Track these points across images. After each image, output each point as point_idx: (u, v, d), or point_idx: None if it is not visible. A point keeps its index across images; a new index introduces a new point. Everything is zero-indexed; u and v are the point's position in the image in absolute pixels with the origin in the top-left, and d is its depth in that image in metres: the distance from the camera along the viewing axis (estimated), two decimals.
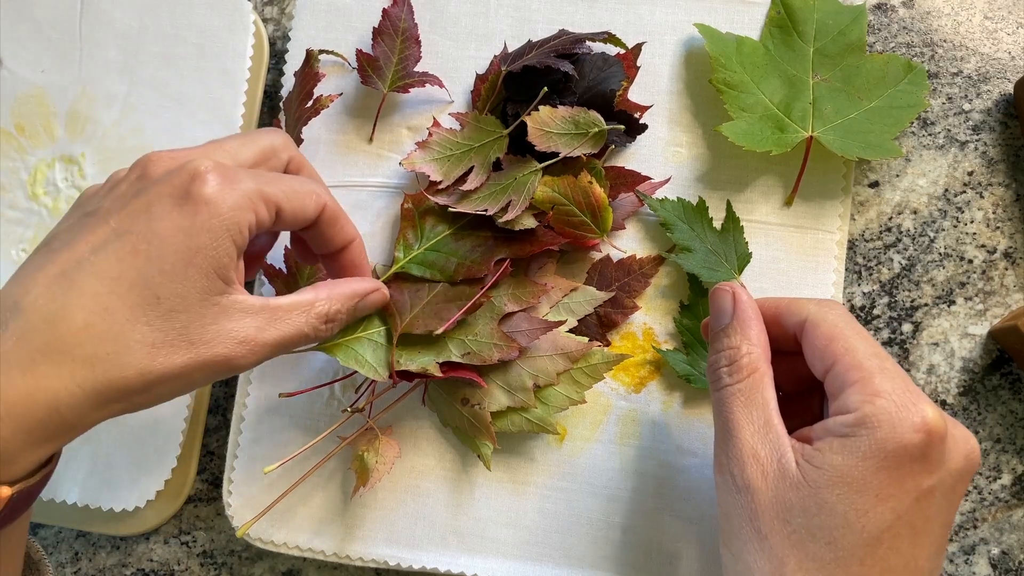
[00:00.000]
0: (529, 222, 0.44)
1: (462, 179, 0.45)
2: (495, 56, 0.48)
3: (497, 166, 0.45)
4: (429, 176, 0.45)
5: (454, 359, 0.43)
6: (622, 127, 0.45)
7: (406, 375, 0.43)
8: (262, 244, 0.43)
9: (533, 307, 0.44)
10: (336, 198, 0.48)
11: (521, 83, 0.45)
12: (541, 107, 0.44)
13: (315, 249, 0.40)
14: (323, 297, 0.37)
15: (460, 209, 0.44)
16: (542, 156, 0.45)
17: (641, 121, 0.46)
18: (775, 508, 0.32)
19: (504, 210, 0.43)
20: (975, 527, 0.46)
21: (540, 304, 0.45)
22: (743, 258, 0.45)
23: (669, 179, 0.47)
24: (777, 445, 0.33)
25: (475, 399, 0.44)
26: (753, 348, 0.35)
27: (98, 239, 0.32)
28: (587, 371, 0.44)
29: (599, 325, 0.45)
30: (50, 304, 0.31)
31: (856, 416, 0.31)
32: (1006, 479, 0.46)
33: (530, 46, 0.46)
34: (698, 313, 0.45)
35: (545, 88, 0.44)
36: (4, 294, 0.32)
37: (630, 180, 0.46)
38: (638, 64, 0.47)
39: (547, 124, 0.44)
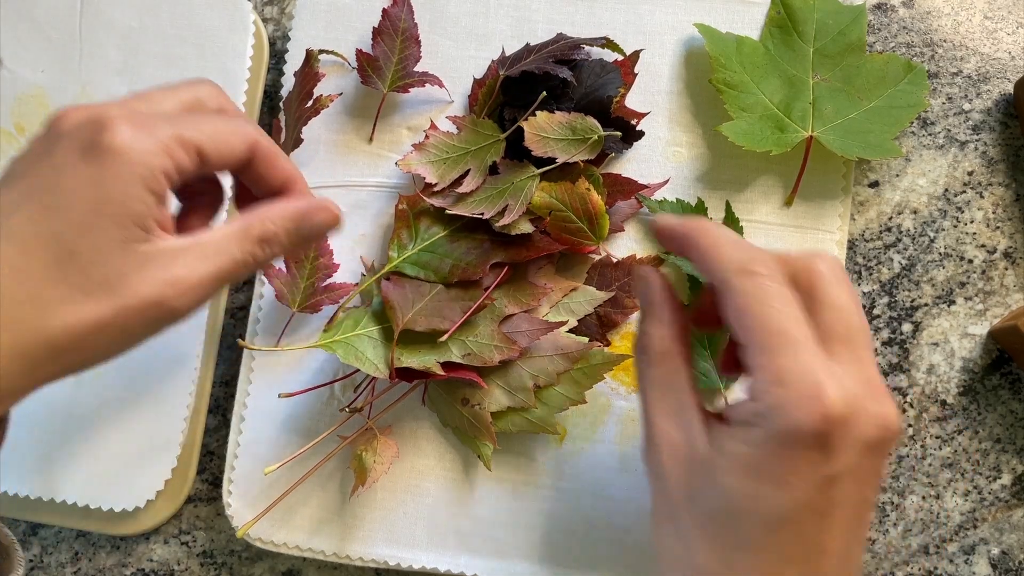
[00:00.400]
0: (526, 227, 0.44)
1: (458, 182, 0.45)
2: (493, 60, 0.48)
3: (494, 170, 0.45)
4: (425, 178, 0.45)
5: (454, 359, 0.43)
6: (619, 134, 0.45)
7: (406, 373, 0.43)
8: (209, 195, 0.39)
9: (533, 308, 0.44)
10: (336, 198, 0.49)
11: (519, 88, 0.45)
12: (538, 112, 0.44)
13: (256, 193, 0.38)
14: (255, 220, 0.35)
15: (456, 212, 0.44)
16: (539, 162, 0.45)
17: (638, 128, 0.46)
18: (684, 492, 0.32)
19: (501, 214, 0.43)
20: (975, 527, 0.46)
21: (540, 305, 0.45)
22: None
23: (667, 181, 0.47)
24: (689, 429, 0.32)
25: (475, 399, 0.44)
26: (665, 332, 0.34)
27: (10, 203, 0.31)
28: (587, 371, 0.44)
29: (599, 325, 0.45)
30: None
31: (757, 406, 0.30)
32: (1006, 479, 0.46)
33: (528, 50, 0.46)
34: None
35: (544, 92, 0.44)
36: None
37: (627, 188, 0.46)
38: (636, 71, 0.47)
39: (544, 129, 0.44)
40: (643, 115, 0.47)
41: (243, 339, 0.48)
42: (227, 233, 0.35)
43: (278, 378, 0.47)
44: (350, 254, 0.48)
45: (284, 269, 0.46)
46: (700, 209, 0.45)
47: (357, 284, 0.46)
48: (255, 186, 0.38)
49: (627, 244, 0.47)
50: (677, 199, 0.46)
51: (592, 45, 0.46)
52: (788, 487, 0.30)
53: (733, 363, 0.34)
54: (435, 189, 0.45)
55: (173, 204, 0.35)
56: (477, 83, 0.47)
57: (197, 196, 0.38)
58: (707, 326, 0.37)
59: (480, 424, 0.43)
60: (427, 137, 0.45)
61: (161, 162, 0.32)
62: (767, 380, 0.30)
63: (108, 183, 0.31)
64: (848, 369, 0.30)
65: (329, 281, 0.46)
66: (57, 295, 0.31)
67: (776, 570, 0.31)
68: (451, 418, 0.45)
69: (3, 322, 0.30)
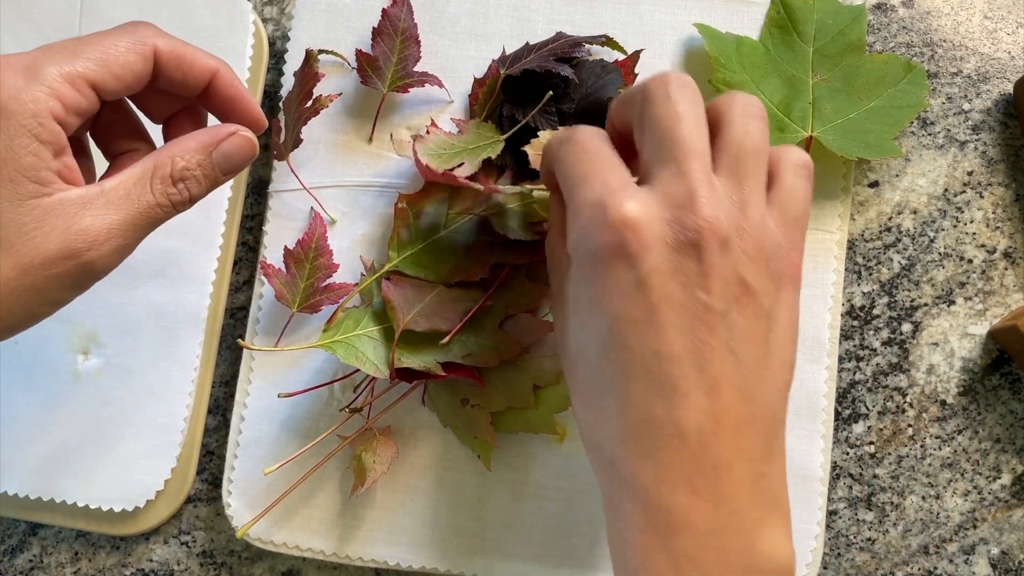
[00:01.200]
0: (526, 234, 0.44)
1: (451, 171, 0.45)
2: (493, 60, 0.48)
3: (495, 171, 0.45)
4: (421, 163, 0.45)
5: (455, 360, 0.43)
6: None
7: (407, 373, 0.43)
8: (136, 148, 0.37)
9: (533, 308, 0.44)
10: (336, 198, 0.48)
11: (519, 86, 0.45)
12: (541, 133, 0.44)
13: (182, 95, 0.36)
14: (163, 158, 0.33)
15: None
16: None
17: None
18: (560, 296, 0.35)
19: (501, 215, 0.43)
20: (975, 527, 0.46)
21: (541, 305, 0.45)
22: None
23: None
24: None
25: (475, 399, 0.44)
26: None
27: None
28: None
29: None
30: None
31: (568, 244, 0.33)
32: (1006, 479, 0.46)
33: (528, 49, 0.46)
34: None
35: (550, 92, 0.44)
36: None
37: None
38: (636, 72, 0.47)
39: None
40: None
41: (243, 339, 0.48)
42: (136, 175, 0.33)
43: (278, 378, 0.47)
44: (350, 254, 0.48)
45: (284, 269, 0.46)
46: None
47: (357, 284, 0.46)
48: (176, 91, 0.36)
49: None
50: None
51: (592, 43, 0.46)
52: (605, 304, 0.30)
53: None
54: (429, 180, 0.45)
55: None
56: (478, 83, 0.47)
57: (125, 151, 0.36)
58: None
59: (480, 424, 0.43)
60: (428, 133, 0.45)
61: (45, 106, 0.30)
62: (570, 218, 0.32)
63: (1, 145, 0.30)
64: (677, 184, 0.30)
65: (329, 281, 0.46)
66: None
67: (625, 393, 0.30)
68: (451, 418, 0.45)
69: None
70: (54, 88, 0.31)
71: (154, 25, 0.35)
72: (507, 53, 0.47)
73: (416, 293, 0.44)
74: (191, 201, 0.35)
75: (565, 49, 0.45)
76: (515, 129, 0.45)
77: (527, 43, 0.47)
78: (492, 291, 0.44)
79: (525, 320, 0.44)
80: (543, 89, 0.44)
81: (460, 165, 0.45)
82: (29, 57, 0.31)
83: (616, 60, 0.46)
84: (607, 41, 0.46)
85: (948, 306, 0.47)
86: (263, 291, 0.48)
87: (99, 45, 0.32)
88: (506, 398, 0.44)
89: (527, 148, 0.44)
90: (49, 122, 0.31)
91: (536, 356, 0.44)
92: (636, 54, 0.46)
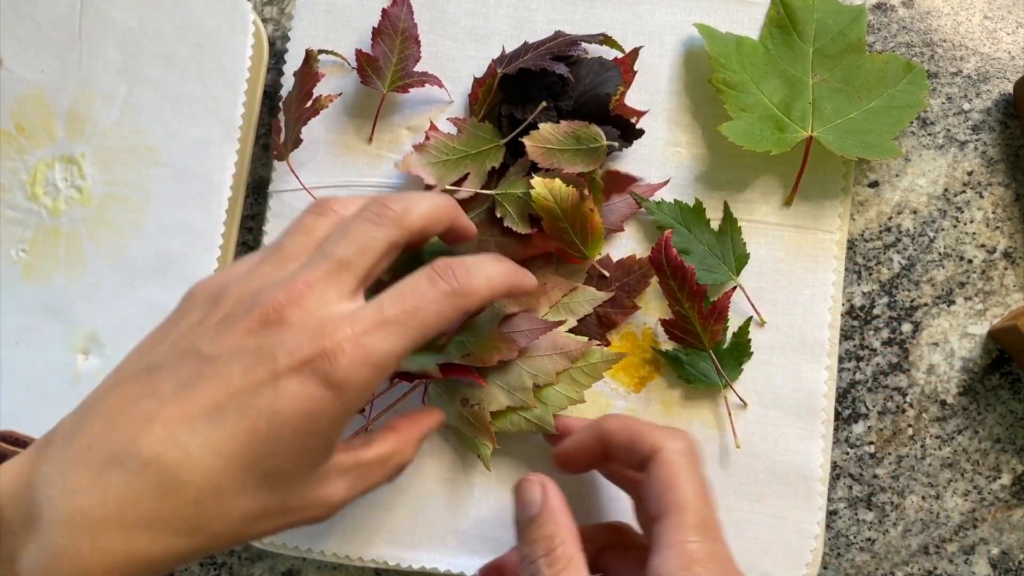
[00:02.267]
0: (523, 226, 0.44)
1: (456, 184, 0.45)
2: (493, 60, 0.48)
3: (490, 176, 0.45)
4: (424, 179, 0.45)
5: (454, 360, 0.43)
6: (617, 132, 0.45)
7: (406, 375, 0.43)
8: None
9: (532, 307, 0.44)
10: (331, 195, 0.48)
11: (516, 86, 0.45)
12: (542, 125, 0.44)
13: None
14: (401, 447, 0.37)
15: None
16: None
17: (638, 126, 0.46)
18: None
19: (506, 218, 0.44)
20: (975, 527, 0.46)
21: (540, 304, 0.45)
22: (740, 259, 0.45)
23: (668, 181, 0.47)
24: None
25: (475, 399, 0.44)
26: (567, 536, 0.35)
27: (213, 402, 0.30)
28: (586, 370, 0.44)
29: (599, 325, 0.45)
30: (161, 473, 0.29)
31: None
32: (1006, 479, 0.46)
33: (526, 48, 0.46)
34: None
35: (544, 104, 0.44)
36: (107, 432, 0.30)
37: (622, 182, 0.46)
38: (635, 69, 0.47)
39: (548, 141, 0.44)
40: (642, 113, 0.47)
41: None
42: (381, 457, 0.36)
43: None
44: None
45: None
46: (698, 210, 0.45)
47: None
48: None
49: (627, 244, 0.47)
50: (675, 200, 0.46)
51: (590, 42, 0.46)
52: None
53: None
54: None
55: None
56: (477, 82, 0.47)
57: None
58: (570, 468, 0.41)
59: (479, 424, 0.43)
60: (427, 138, 0.45)
61: (375, 388, 0.32)
62: (680, 567, 0.32)
63: (322, 418, 0.31)
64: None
65: None
66: (240, 513, 0.31)
67: None
68: (451, 418, 0.45)
69: (188, 529, 0.30)
70: (386, 371, 0.32)
71: (462, 261, 0.36)
72: (506, 53, 0.47)
73: None
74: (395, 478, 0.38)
75: (562, 48, 0.45)
76: (513, 135, 0.45)
77: (525, 42, 0.47)
78: None
79: (523, 319, 0.44)
80: (540, 88, 0.44)
81: (465, 176, 0.45)
82: (367, 329, 0.32)
83: (615, 58, 0.46)
84: (605, 40, 0.46)
85: (948, 306, 0.47)
86: None
87: (427, 311, 0.34)
88: (506, 397, 0.44)
89: (525, 140, 0.44)
90: (367, 398, 0.33)
91: (535, 355, 0.44)
92: (635, 51, 0.46)
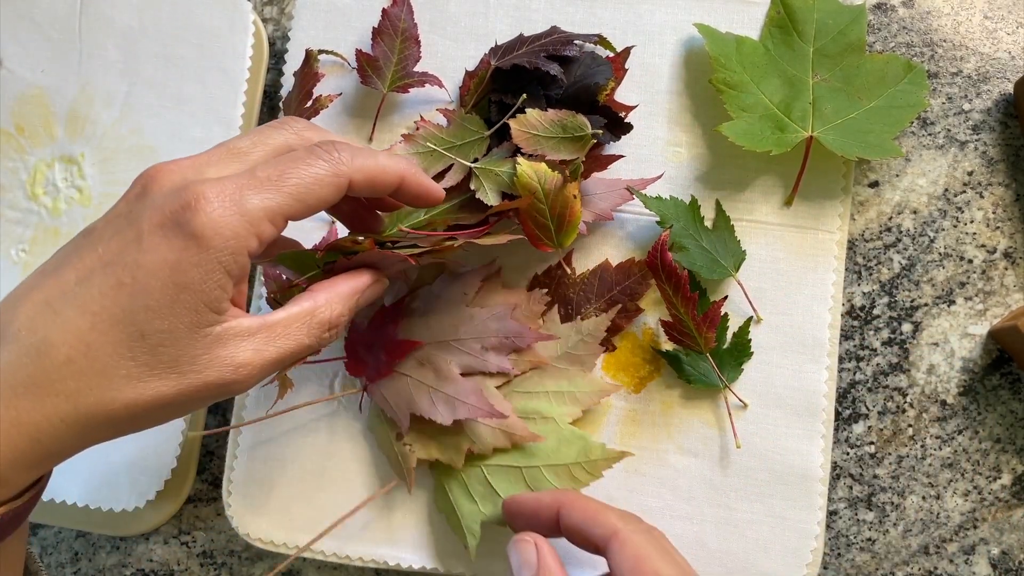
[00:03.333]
0: (495, 200, 0.43)
1: (440, 176, 0.45)
2: (485, 52, 0.47)
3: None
4: None
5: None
6: (604, 121, 0.44)
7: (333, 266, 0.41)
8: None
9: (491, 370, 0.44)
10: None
11: (508, 79, 0.45)
12: (529, 110, 0.43)
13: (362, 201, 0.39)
14: (322, 303, 0.35)
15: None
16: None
17: (627, 121, 0.45)
18: None
19: (479, 191, 0.43)
20: (975, 527, 0.46)
21: (543, 383, 0.45)
22: (738, 257, 0.45)
23: (661, 175, 0.46)
24: None
25: (408, 439, 0.44)
26: None
27: (85, 267, 0.31)
28: (586, 467, 0.43)
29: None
30: (31, 336, 0.30)
31: None
32: (1006, 479, 0.46)
33: (521, 41, 0.46)
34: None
35: (524, 96, 0.44)
36: (1, 311, 0.31)
37: (603, 161, 0.45)
38: (627, 67, 0.46)
39: (534, 127, 0.43)
40: (631, 108, 0.46)
41: None
42: (296, 315, 0.35)
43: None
44: None
45: (283, 276, 0.46)
46: (693, 207, 0.45)
47: None
48: (362, 199, 0.38)
49: (623, 243, 0.47)
50: (671, 196, 0.46)
51: (586, 42, 0.46)
52: None
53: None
54: None
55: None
56: (469, 75, 0.47)
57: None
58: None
59: (404, 465, 0.44)
60: (418, 128, 0.45)
61: (244, 243, 0.31)
62: None
63: (188, 270, 0.31)
64: None
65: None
66: (123, 373, 0.31)
67: None
68: (385, 446, 0.45)
69: (68, 391, 0.30)
70: (255, 225, 0.31)
71: (347, 144, 0.35)
72: (500, 45, 0.47)
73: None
74: (331, 341, 0.37)
75: (557, 46, 0.45)
76: (499, 124, 0.44)
77: (521, 34, 0.47)
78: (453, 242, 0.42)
79: (471, 392, 0.43)
80: (531, 81, 0.44)
81: (449, 168, 0.44)
82: (236, 185, 0.32)
83: (608, 56, 0.46)
84: (600, 40, 0.46)
85: (948, 306, 0.47)
86: (263, 291, 0.48)
87: (298, 174, 0.33)
88: (438, 450, 0.43)
89: (511, 123, 0.43)
90: (243, 258, 0.32)
91: (479, 422, 0.43)
92: (627, 50, 0.46)
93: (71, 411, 0.30)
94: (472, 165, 0.44)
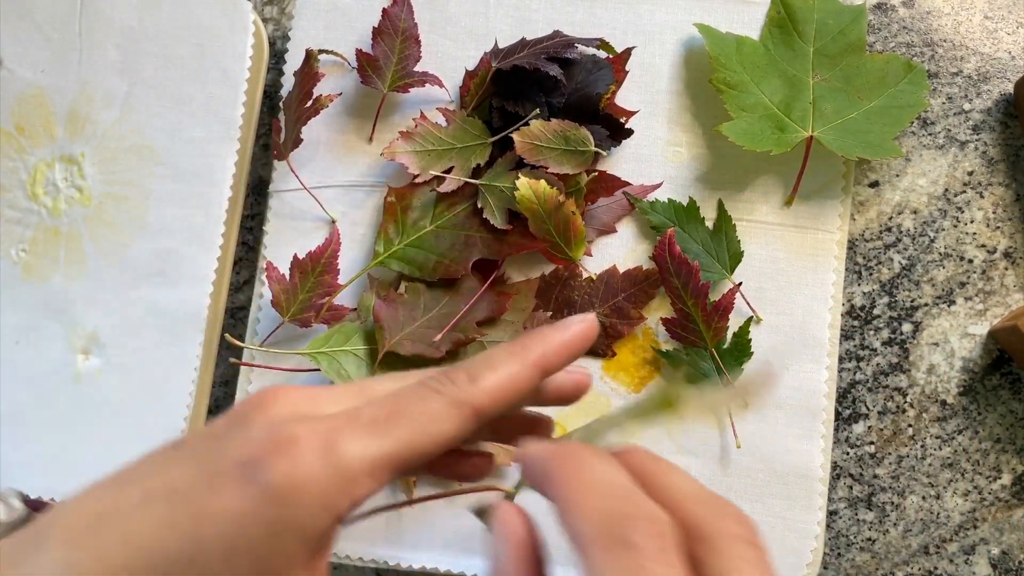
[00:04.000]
0: (503, 222, 0.44)
1: (440, 179, 0.45)
2: (486, 52, 0.47)
3: (476, 172, 0.46)
4: (408, 168, 0.45)
5: None
6: (607, 133, 0.45)
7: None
8: None
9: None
10: (336, 198, 0.48)
11: (509, 81, 0.45)
12: (532, 121, 0.44)
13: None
14: None
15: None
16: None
17: (628, 126, 0.46)
18: None
19: (486, 210, 0.44)
20: (975, 527, 0.46)
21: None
22: (735, 257, 0.45)
23: (660, 184, 0.47)
24: None
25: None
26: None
27: (152, 489, 0.26)
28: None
29: (605, 335, 0.45)
30: (63, 550, 0.25)
31: None
32: (1006, 479, 0.46)
33: (523, 44, 0.46)
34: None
35: (536, 111, 0.44)
36: (57, 514, 0.26)
37: (613, 184, 0.46)
38: (627, 69, 0.47)
39: (538, 138, 0.44)
40: (632, 113, 0.47)
41: (243, 340, 0.48)
42: None
43: (278, 379, 0.47)
44: (349, 254, 0.48)
45: (287, 276, 0.46)
46: (692, 208, 0.45)
47: (354, 309, 0.46)
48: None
49: (624, 245, 0.47)
50: (669, 199, 0.46)
51: (587, 46, 0.46)
52: None
53: None
54: (416, 181, 0.45)
55: None
56: (469, 75, 0.47)
57: None
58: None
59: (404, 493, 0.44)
60: (416, 125, 0.46)
61: (334, 505, 0.25)
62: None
63: (251, 528, 0.24)
64: None
65: (326, 300, 0.46)
66: None
67: None
68: None
69: None
70: (350, 482, 0.25)
71: (479, 366, 0.27)
72: (501, 47, 0.47)
73: (408, 316, 0.44)
74: None
75: (558, 48, 0.45)
76: (504, 134, 0.45)
77: (523, 38, 0.47)
78: (475, 300, 0.43)
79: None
80: (532, 84, 0.44)
81: (450, 169, 0.45)
82: (331, 426, 0.25)
83: (608, 57, 0.46)
84: (601, 44, 0.46)
85: (948, 306, 0.47)
86: (263, 291, 0.48)
87: (409, 412, 0.26)
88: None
89: (515, 135, 0.44)
90: (325, 522, 0.25)
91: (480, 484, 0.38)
92: (628, 51, 0.46)
93: None
94: (478, 182, 0.44)
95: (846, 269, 0.48)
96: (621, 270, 0.46)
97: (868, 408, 0.47)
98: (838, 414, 0.47)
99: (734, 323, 0.45)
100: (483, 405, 0.27)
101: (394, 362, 0.43)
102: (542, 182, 0.43)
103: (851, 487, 0.47)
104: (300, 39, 0.49)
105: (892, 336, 0.47)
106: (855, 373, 0.47)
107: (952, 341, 0.47)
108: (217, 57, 0.49)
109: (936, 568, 0.46)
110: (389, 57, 0.48)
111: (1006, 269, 0.47)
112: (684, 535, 0.23)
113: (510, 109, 0.45)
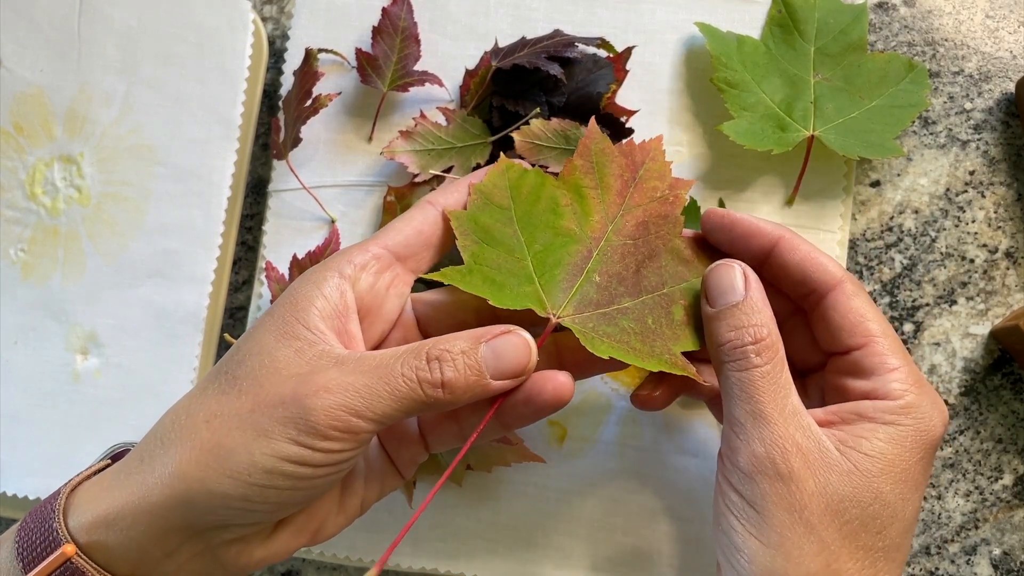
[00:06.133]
0: None
1: (440, 178, 0.45)
2: (486, 51, 0.47)
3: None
4: (407, 167, 0.45)
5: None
6: (608, 132, 0.45)
7: None
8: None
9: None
10: (335, 198, 0.48)
11: (509, 80, 0.45)
12: (533, 120, 0.44)
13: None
14: (429, 342, 0.32)
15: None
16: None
17: (633, 126, 0.46)
18: (824, 498, 0.30)
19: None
20: (976, 527, 0.46)
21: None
22: None
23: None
24: (812, 430, 0.31)
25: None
26: (774, 328, 0.33)
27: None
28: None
29: None
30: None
31: (901, 404, 0.32)
32: (1007, 479, 0.46)
33: (523, 43, 0.46)
34: None
35: (537, 109, 0.44)
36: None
37: None
38: (628, 68, 0.46)
39: (538, 137, 0.44)
40: (633, 112, 0.47)
41: None
42: (395, 351, 0.31)
43: None
44: None
45: (287, 276, 0.46)
46: (692, 209, 0.45)
47: None
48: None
49: None
50: None
51: (588, 45, 0.46)
52: (922, 486, 0.32)
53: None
54: (415, 180, 0.45)
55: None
56: (469, 74, 0.47)
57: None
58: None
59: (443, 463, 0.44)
60: (416, 124, 0.45)
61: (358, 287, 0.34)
62: (908, 382, 0.32)
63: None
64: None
65: None
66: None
67: (899, 572, 0.32)
68: None
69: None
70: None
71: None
72: (501, 46, 0.47)
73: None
74: (443, 387, 0.30)
75: (559, 48, 0.45)
76: (502, 134, 0.44)
77: (523, 37, 0.47)
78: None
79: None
80: (533, 83, 0.44)
81: (450, 169, 0.45)
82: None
83: (608, 56, 0.46)
84: (602, 43, 0.46)
85: (950, 306, 0.47)
86: (263, 291, 0.48)
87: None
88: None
89: (515, 134, 0.43)
90: (347, 289, 0.33)
91: (486, 437, 0.39)
92: (628, 50, 0.46)
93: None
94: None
95: (847, 269, 0.48)
96: None
97: None
98: None
99: None
100: (458, 402, 0.31)
101: None
102: None
103: None
104: (300, 38, 0.49)
105: None
106: None
107: (953, 341, 0.47)
108: (216, 56, 0.49)
109: (937, 569, 0.46)
110: (389, 56, 0.47)
111: (1007, 269, 0.47)
112: None
113: (510, 108, 0.45)
